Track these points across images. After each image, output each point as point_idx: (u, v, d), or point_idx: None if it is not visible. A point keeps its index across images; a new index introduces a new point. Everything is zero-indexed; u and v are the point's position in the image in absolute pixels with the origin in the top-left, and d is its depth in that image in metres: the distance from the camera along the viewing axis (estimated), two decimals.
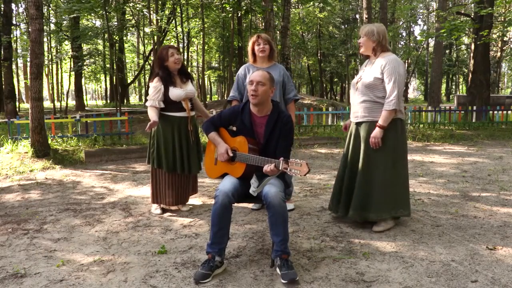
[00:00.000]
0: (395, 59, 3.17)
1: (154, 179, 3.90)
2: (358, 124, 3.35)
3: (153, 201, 3.93)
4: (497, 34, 17.75)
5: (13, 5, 18.38)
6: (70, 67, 20.37)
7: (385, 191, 3.24)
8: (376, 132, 3.18)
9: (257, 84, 2.70)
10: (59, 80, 22.02)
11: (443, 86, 39.74)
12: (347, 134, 3.54)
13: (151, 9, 14.95)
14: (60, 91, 21.97)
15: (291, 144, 2.86)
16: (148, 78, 24.92)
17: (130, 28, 19.71)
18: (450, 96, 41.33)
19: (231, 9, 14.09)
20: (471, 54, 12.80)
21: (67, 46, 19.97)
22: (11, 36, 17.06)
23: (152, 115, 3.67)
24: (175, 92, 3.72)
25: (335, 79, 36.50)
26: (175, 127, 3.81)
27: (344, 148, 3.54)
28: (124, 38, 22.99)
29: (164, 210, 3.97)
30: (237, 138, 2.81)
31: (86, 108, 21.16)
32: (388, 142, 3.22)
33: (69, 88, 19.77)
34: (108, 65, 20.11)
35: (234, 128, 2.86)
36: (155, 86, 3.73)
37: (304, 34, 30.28)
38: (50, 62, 18.73)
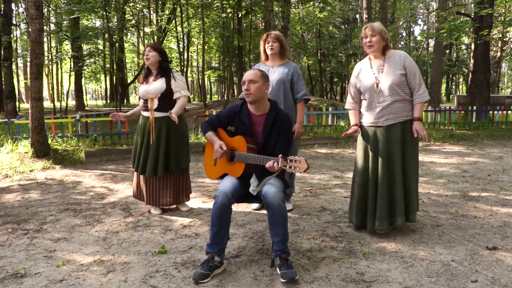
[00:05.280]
0: (406, 54, 3.22)
1: (134, 175, 4.03)
2: (390, 126, 3.15)
3: (133, 195, 4.04)
4: (497, 35, 17.74)
5: (13, 5, 18.38)
6: (70, 67, 20.37)
7: (417, 189, 3.28)
8: (420, 125, 3.10)
9: (249, 83, 2.73)
10: (59, 80, 22.02)
11: (443, 86, 39.74)
12: (365, 142, 3.27)
13: (151, 9, 14.95)
14: (60, 91, 21.98)
15: (290, 143, 2.87)
16: None
17: (130, 28, 19.71)
18: (450, 96, 41.33)
19: (231, 11, 14.09)
20: (471, 54, 12.80)
21: (67, 46, 19.97)
22: (11, 36, 17.05)
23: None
24: (139, 89, 3.82)
25: (335, 79, 36.50)
26: (141, 127, 3.85)
27: (368, 157, 3.24)
28: (124, 38, 23.00)
29: (164, 210, 3.96)
30: (235, 138, 2.81)
31: (86, 108, 21.16)
32: (415, 142, 3.23)
33: (69, 88, 19.77)
34: (108, 65, 20.11)
35: (233, 129, 2.87)
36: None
37: (304, 34, 30.27)
38: (50, 62, 18.70)
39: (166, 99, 3.73)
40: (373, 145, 3.22)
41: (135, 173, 3.96)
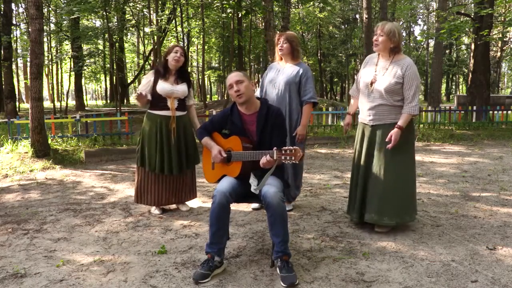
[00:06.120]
0: (413, 63, 3.18)
1: (138, 177, 3.88)
2: (375, 126, 3.26)
3: (135, 200, 3.91)
4: (497, 35, 17.74)
5: (13, 5, 18.37)
6: (70, 67, 20.37)
7: (402, 194, 3.24)
8: (396, 133, 3.13)
9: (237, 84, 2.74)
10: (59, 80, 22.02)
11: (443, 86, 39.74)
12: (356, 136, 3.45)
13: (151, 9, 14.96)
14: (60, 91, 21.98)
15: (286, 137, 2.90)
16: None
17: (130, 28, 19.72)
18: (450, 96, 41.32)
19: (231, 11, 14.09)
20: (471, 54, 12.79)
21: (67, 46, 19.98)
22: (11, 36, 17.05)
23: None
24: (161, 86, 3.72)
25: (335, 79, 36.51)
26: (158, 126, 3.77)
27: (356, 151, 3.43)
28: (124, 38, 23.00)
29: (164, 210, 3.96)
30: (230, 138, 2.82)
31: (86, 108, 21.16)
32: (404, 145, 3.22)
33: (69, 88, 19.77)
34: (108, 65, 20.12)
35: (228, 132, 2.87)
36: (147, 77, 3.84)
37: (304, 34, 30.27)
38: (50, 62, 18.71)
39: (182, 101, 3.87)
40: (361, 141, 3.38)
41: (140, 175, 3.85)
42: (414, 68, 3.16)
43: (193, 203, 4.21)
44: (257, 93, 3.89)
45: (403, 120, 3.15)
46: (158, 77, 3.75)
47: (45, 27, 12.52)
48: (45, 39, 13.37)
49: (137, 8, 16.58)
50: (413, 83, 3.13)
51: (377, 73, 3.23)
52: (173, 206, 4.05)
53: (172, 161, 3.78)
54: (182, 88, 3.81)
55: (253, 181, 2.72)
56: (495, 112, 11.30)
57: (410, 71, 3.12)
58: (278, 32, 3.70)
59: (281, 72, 3.78)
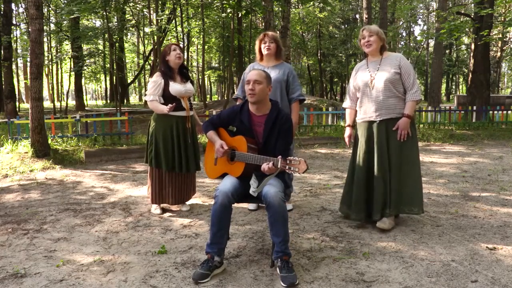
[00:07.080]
0: (403, 56, 3.37)
1: (153, 179, 3.86)
2: (382, 122, 3.30)
3: (153, 201, 3.89)
4: (497, 35, 17.74)
5: (13, 5, 18.37)
6: (70, 67, 20.37)
7: (419, 185, 3.37)
8: (405, 122, 3.23)
9: (254, 83, 2.73)
10: (59, 80, 22.01)
11: (443, 86, 39.72)
12: (359, 136, 3.46)
13: (151, 9, 14.96)
14: (60, 91, 21.97)
15: (291, 143, 2.88)
16: (149, 77, 24.94)
17: (130, 28, 19.72)
18: (450, 96, 41.32)
19: (231, 11, 14.08)
20: (471, 54, 12.80)
21: (67, 46, 19.96)
22: (11, 36, 17.04)
23: (160, 106, 3.70)
24: (175, 87, 3.71)
25: (335, 79, 36.46)
26: (174, 126, 3.77)
27: (358, 149, 3.45)
28: (124, 38, 23.00)
29: (164, 210, 3.96)
30: (236, 137, 2.82)
31: (86, 108, 21.15)
32: (414, 137, 3.34)
33: (69, 88, 19.76)
34: (108, 65, 20.12)
35: (234, 129, 2.87)
36: (155, 80, 3.75)
37: (304, 34, 30.28)
38: (50, 62, 18.69)
39: (189, 100, 3.92)
40: (367, 139, 3.38)
41: (155, 176, 3.83)
42: (406, 59, 3.35)
43: (193, 203, 4.21)
44: (238, 92, 3.90)
45: (409, 108, 3.26)
46: (167, 79, 3.74)
47: (45, 27, 12.51)
48: (45, 39, 13.37)
49: (137, 8, 16.58)
50: (410, 71, 3.27)
51: (371, 72, 3.35)
52: (174, 206, 4.04)
53: (191, 160, 3.85)
54: (191, 86, 3.88)
55: (253, 182, 2.72)
56: (495, 112, 11.29)
57: (404, 61, 3.30)
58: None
59: (267, 71, 3.80)
